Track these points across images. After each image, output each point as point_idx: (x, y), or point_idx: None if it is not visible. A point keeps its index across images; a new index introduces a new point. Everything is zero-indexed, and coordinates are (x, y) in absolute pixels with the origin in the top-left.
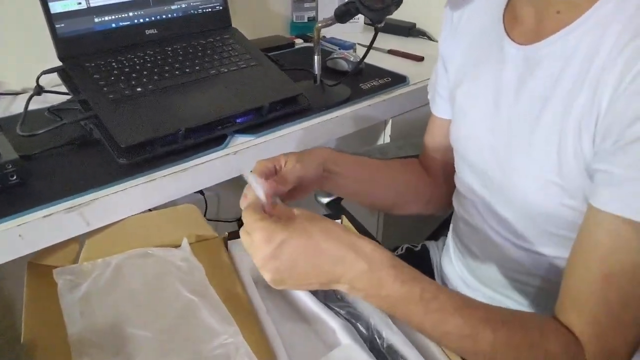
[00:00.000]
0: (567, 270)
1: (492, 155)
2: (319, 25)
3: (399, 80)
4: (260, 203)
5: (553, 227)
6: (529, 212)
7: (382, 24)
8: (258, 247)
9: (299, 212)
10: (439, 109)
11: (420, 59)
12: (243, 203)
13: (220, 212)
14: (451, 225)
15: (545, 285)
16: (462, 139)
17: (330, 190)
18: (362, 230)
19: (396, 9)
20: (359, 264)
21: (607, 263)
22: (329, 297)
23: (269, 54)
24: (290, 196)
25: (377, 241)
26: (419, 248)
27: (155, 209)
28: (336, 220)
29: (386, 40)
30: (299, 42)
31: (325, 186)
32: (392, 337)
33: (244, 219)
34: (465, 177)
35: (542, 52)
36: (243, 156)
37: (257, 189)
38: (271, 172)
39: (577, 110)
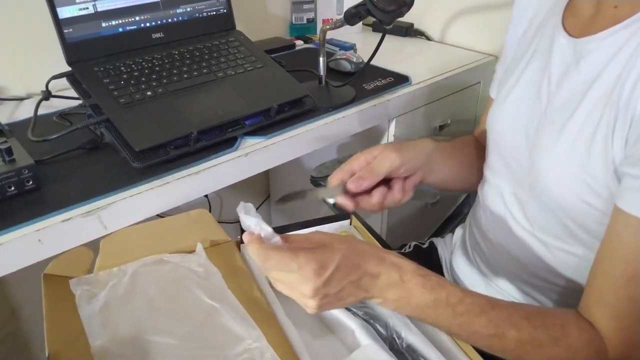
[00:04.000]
0: (593, 267)
1: (523, 142)
2: (326, 27)
3: (401, 80)
4: (270, 240)
5: (573, 223)
6: (550, 204)
7: (391, 26)
8: (308, 279)
9: (323, 236)
10: (493, 90)
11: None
12: (251, 241)
13: (223, 214)
14: (469, 217)
15: (561, 282)
16: (497, 122)
17: (428, 181)
18: (369, 229)
19: (408, 10)
20: (391, 277)
21: (633, 264)
22: None
23: (271, 56)
24: (390, 188)
25: (388, 245)
26: (426, 245)
27: (168, 211)
28: (346, 220)
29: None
30: (300, 44)
31: (429, 178)
32: (411, 337)
33: (270, 262)
34: (494, 162)
35: (590, 46)
36: (254, 158)
37: (261, 225)
38: (360, 167)
39: (613, 108)
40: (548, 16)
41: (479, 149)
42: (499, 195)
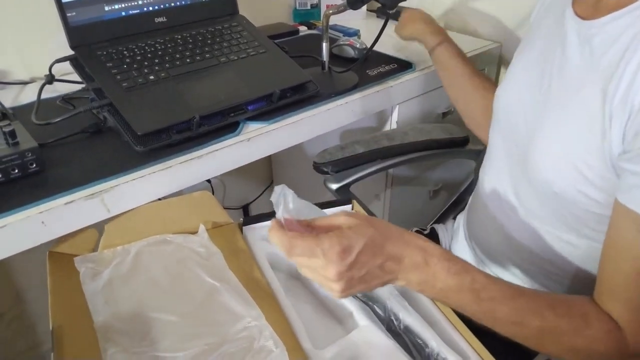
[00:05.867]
0: (601, 262)
1: (521, 124)
2: (329, 12)
3: (405, 66)
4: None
5: (566, 210)
6: (543, 190)
7: (394, 11)
8: (333, 262)
9: (348, 218)
10: None
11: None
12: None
13: (226, 199)
14: (470, 201)
15: (552, 269)
16: (499, 102)
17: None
18: (370, 215)
19: None
20: (416, 260)
21: None
22: None
23: (274, 42)
24: None
25: None
26: (427, 231)
27: (171, 195)
28: (347, 205)
29: (387, 27)
30: (303, 30)
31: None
32: (409, 318)
33: (295, 249)
34: (495, 142)
35: (592, 31)
36: (256, 143)
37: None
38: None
39: (611, 98)
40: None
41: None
42: (497, 179)
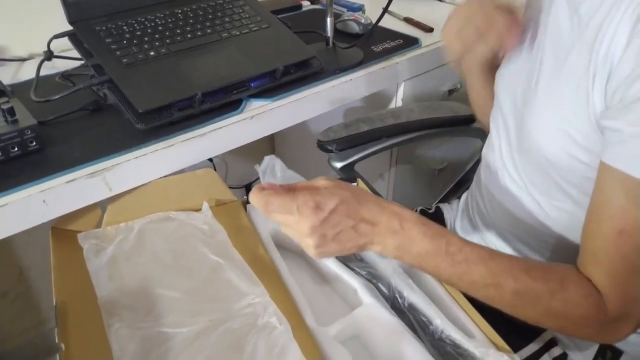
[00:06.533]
0: (584, 225)
1: (518, 95)
2: None
3: (411, 42)
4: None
5: (561, 178)
6: (538, 159)
7: None
8: (306, 217)
9: (326, 181)
10: None
11: (429, 29)
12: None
13: (228, 178)
14: (475, 177)
15: (552, 240)
16: (502, 76)
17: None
18: (376, 194)
19: None
20: (391, 224)
21: (620, 219)
22: (348, 258)
23: (277, 17)
24: None
25: None
26: (432, 210)
27: (173, 174)
28: (353, 183)
29: (393, 2)
30: (306, 4)
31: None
32: (413, 296)
33: (271, 206)
34: (495, 115)
35: None
36: (260, 121)
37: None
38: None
39: (593, 60)
40: None
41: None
42: (498, 152)
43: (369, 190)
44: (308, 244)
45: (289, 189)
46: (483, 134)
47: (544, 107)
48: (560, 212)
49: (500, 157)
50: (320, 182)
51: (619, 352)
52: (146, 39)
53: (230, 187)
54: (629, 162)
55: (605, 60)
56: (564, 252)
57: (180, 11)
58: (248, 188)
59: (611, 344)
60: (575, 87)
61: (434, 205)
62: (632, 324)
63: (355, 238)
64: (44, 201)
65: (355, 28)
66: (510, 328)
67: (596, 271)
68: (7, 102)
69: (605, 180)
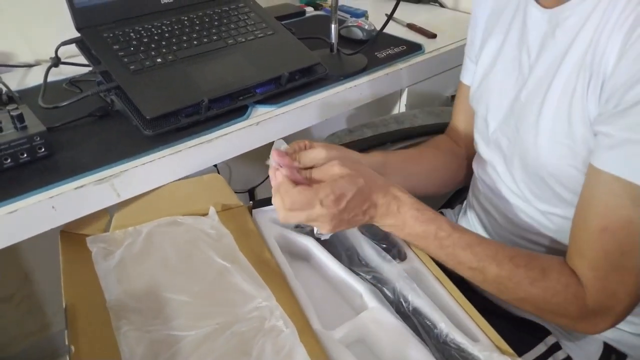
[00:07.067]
0: (573, 219)
1: (509, 116)
2: None
3: (414, 48)
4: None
5: (563, 188)
6: (540, 172)
7: None
8: (329, 208)
9: (341, 168)
10: (469, 75)
11: (432, 35)
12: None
13: (232, 183)
14: (470, 187)
15: (559, 247)
16: (482, 99)
17: None
18: None
19: None
20: (391, 207)
21: (606, 217)
22: (353, 262)
23: (281, 23)
24: None
25: None
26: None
27: (180, 179)
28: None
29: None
30: (310, 11)
31: None
32: (418, 300)
33: (297, 202)
34: (483, 138)
35: (564, 14)
36: (265, 127)
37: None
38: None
39: (587, 71)
40: None
41: (447, 152)
42: (492, 168)
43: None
44: (324, 227)
45: (305, 178)
46: None
47: (543, 125)
48: (564, 220)
49: (495, 172)
50: (335, 168)
51: (624, 356)
52: (153, 45)
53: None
54: (618, 166)
55: (599, 71)
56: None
57: (186, 18)
58: (252, 192)
59: (588, 334)
60: (570, 98)
61: (437, 211)
62: (610, 319)
63: (362, 218)
64: (53, 207)
65: (359, 34)
66: (514, 332)
67: (580, 263)
68: (16, 108)
69: (594, 180)
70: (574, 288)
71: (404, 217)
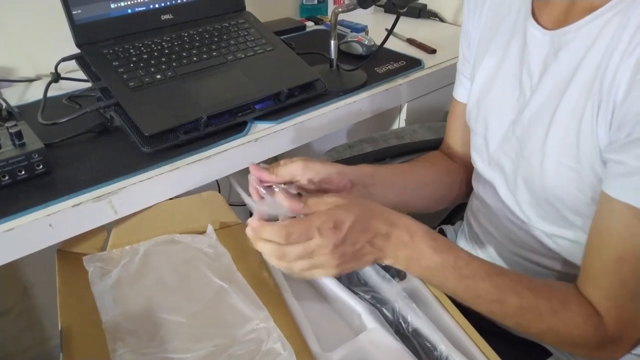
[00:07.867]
0: (585, 249)
1: (510, 136)
2: (338, 10)
3: (414, 63)
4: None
5: (570, 212)
6: (547, 195)
7: (405, 9)
8: (328, 237)
9: (336, 198)
10: (464, 91)
11: (432, 50)
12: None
13: (232, 196)
14: (468, 205)
15: (559, 267)
16: (481, 115)
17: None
18: None
19: None
20: (403, 238)
21: (621, 247)
22: (353, 282)
23: (281, 38)
24: None
25: None
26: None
27: (178, 196)
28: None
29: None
30: (310, 25)
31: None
32: (417, 321)
33: (292, 236)
34: (482, 158)
35: (568, 37)
36: (264, 143)
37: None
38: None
39: (596, 97)
40: (510, 8)
41: (441, 167)
42: (493, 188)
43: (377, 203)
44: (330, 264)
45: (300, 201)
46: None
47: (550, 148)
48: (565, 240)
49: (496, 193)
50: (331, 199)
51: None
52: (153, 62)
53: (233, 205)
54: (631, 195)
55: (609, 97)
56: (569, 279)
57: (186, 34)
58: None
59: None
60: (578, 123)
61: (437, 227)
62: (627, 346)
63: (370, 252)
64: (50, 225)
65: (359, 49)
66: (514, 353)
67: (595, 293)
68: (15, 125)
69: (607, 209)
70: (593, 319)
71: (420, 247)
